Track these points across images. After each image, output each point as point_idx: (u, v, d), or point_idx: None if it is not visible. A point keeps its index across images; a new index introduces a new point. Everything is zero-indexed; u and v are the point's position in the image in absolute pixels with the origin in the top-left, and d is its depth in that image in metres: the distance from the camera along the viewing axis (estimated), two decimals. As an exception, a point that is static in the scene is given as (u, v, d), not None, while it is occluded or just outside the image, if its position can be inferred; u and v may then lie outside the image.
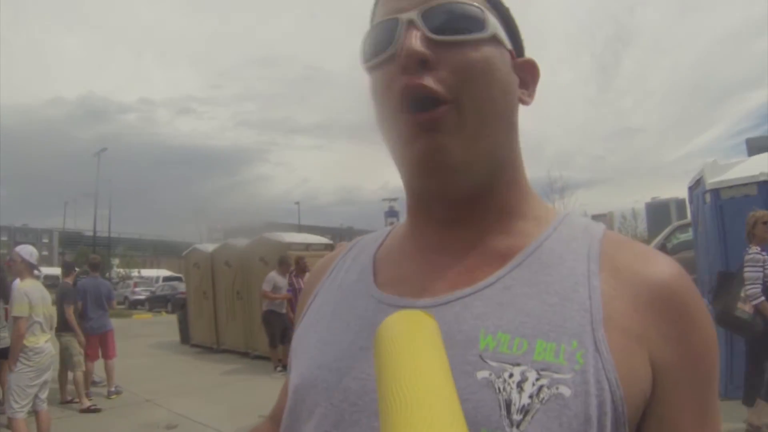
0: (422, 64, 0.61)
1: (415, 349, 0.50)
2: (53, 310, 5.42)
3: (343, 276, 0.77)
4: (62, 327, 6.69)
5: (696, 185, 6.96)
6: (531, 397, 0.51)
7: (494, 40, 0.65)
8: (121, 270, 51.22)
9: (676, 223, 11.29)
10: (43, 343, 5.00)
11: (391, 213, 16.68)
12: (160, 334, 14.60)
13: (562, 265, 0.61)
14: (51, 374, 5.22)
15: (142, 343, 12.90)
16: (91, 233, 48.31)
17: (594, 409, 0.51)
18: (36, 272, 5.28)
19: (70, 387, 7.10)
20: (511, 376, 0.53)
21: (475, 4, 0.64)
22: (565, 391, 0.51)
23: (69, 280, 7.17)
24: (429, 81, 0.61)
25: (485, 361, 0.54)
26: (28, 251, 5.22)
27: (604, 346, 0.54)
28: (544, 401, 0.51)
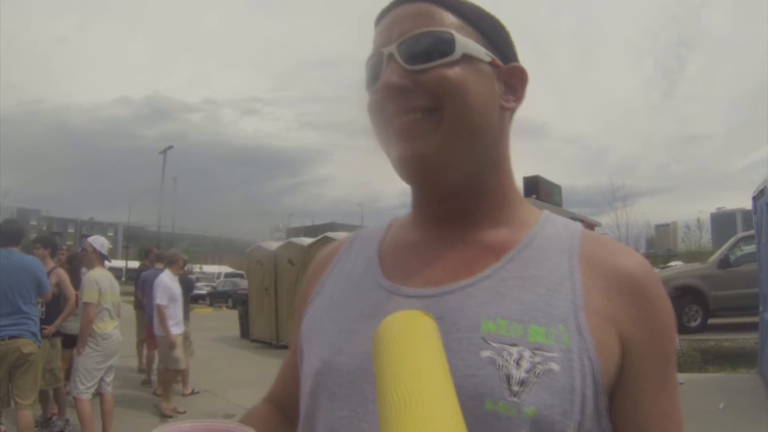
0: (401, 92, 0.70)
1: (414, 349, 0.52)
2: (120, 299, 5.62)
3: (350, 267, 0.85)
4: (186, 316, 7.31)
5: (760, 195, 6.58)
6: (527, 372, 0.61)
7: (465, 58, 0.71)
8: (184, 265, 52.69)
9: (740, 234, 10.68)
10: (111, 329, 5.18)
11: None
12: (221, 328, 14.99)
13: (548, 261, 0.71)
14: (117, 359, 5.41)
15: (202, 337, 13.22)
16: (154, 228, 49.95)
17: (578, 381, 0.61)
18: (106, 262, 5.49)
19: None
20: (510, 354, 0.62)
21: (445, 29, 0.71)
22: (555, 366, 0.61)
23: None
24: (411, 102, 0.70)
25: (488, 343, 0.63)
26: (99, 242, 5.44)
27: (585, 330, 0.64)
28: (538, 375, 0.61)
